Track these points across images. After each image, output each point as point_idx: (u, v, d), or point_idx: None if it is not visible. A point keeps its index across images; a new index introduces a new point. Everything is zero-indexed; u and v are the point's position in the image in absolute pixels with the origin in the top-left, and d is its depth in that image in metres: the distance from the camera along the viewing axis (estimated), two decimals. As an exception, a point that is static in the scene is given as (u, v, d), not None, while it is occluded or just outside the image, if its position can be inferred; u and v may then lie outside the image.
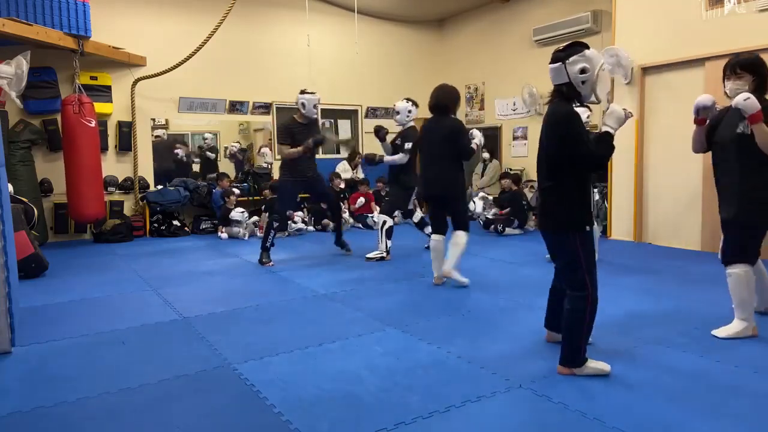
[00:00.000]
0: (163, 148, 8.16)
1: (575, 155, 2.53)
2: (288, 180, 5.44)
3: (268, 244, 5.48)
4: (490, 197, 7.76)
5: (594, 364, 2.63)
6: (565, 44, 2.62)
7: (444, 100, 4.43)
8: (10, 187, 4.69)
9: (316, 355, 2.97)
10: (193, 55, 7.25)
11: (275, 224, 5.48)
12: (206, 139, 8.44)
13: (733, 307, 3.18)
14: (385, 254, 5.61)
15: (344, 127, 9.73)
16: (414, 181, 5.55)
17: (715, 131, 3.23)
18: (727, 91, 3.12)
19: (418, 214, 6.14)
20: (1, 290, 2.99)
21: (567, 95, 2.59)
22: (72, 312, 3.91)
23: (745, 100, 2.89)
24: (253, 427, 2.21)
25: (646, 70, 6.23)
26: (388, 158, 5.56)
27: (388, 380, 2.62)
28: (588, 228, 2.59)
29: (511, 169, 8.50)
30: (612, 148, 2.63)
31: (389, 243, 5.62)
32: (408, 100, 5.63)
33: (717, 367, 2.73)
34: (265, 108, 8.71)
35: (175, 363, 2.88)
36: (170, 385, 2.61)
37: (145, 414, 2.33)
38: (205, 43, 7.15)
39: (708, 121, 3.26)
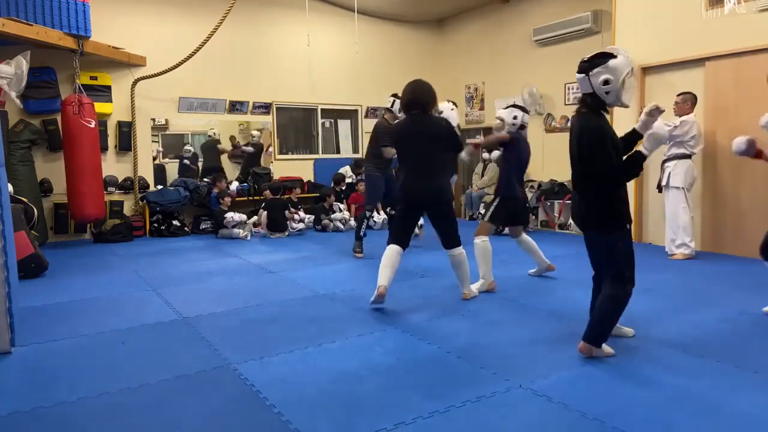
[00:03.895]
0: (209, 147, 8.49)
1: (598, 173, 2.67)
2: (376, 174, 5.88)
3: (361, 234, 5.92)
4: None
5: (606, 348, 2.85)
6: (591, 54, 2.68)
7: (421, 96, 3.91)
8: (10, 187, 4.69)
9: (316, 355, 2.97)
10: (193, 55, 7.26)
11: (368, 214, 6.03)
12: (253, 136, 8.76)
13: None
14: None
15: (344, 127, 9.73)
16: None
17: None
18: None
19: None
20: (1, 290, 2.98)
21: (592, 105, 2.69)
22: (72, 312, 3.91)
23: None
24: (253, 427, 2.21)
25: (646, 70, 6.22)
26: None
27: (388, 380, 2.62)
28: (628, 226, 2.74)
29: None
30: (639, 168, 2.74)
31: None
32: (449, 101, 6.06)
33: (717, 367, 2.73)
34: (264, 108, 8.71)
35: (174, 363, 2.88)
36: (170, 385, 2.61)
37: (145, 414, 2.33)
38: (205, 43, 7.16)
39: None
